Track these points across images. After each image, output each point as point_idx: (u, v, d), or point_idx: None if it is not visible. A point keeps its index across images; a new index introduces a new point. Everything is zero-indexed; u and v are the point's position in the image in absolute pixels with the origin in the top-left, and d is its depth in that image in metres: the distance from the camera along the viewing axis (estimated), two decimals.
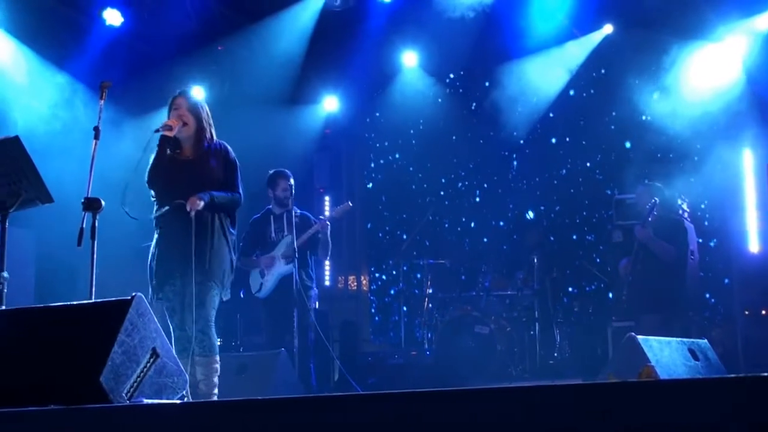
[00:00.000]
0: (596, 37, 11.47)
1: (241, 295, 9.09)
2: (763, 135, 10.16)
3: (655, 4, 10.33)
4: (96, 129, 5.61)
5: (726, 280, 10.86)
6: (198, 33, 10.71)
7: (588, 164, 12.06)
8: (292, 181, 8.65)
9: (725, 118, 10.48)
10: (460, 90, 12.83)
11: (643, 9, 10.57)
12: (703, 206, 10.74)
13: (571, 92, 11.91)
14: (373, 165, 13.57)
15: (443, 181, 13.06)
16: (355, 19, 11.33)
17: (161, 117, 11.21)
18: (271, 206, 8.96)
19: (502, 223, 12.59)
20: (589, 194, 12.08)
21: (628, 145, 11.54)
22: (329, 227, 8.89)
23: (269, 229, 8.84)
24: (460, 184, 13.01)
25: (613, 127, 11.68)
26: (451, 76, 12.76)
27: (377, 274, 13.57)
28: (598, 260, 11.50)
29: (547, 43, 11.42)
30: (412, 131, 13.09)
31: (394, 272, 12.75)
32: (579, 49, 11.61)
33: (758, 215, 10.03)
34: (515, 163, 12.64)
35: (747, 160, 10.20)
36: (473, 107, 12.73)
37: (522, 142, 12.41)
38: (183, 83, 11.60)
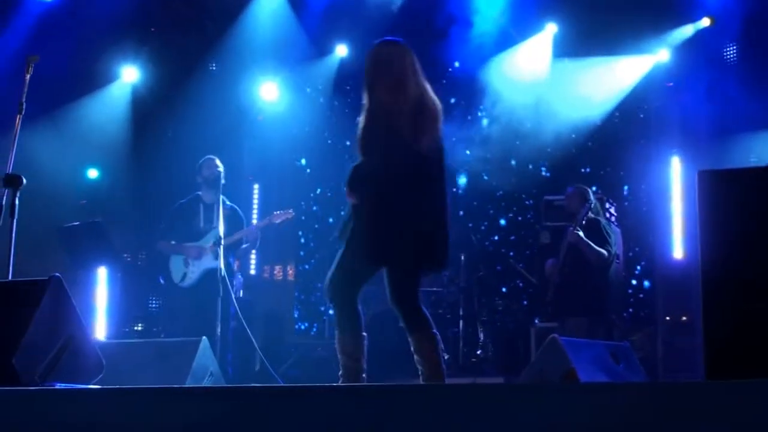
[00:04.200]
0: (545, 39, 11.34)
1: (161, 281, 8.84)
2: (691, 143, 10.31)
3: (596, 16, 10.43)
4: (21, 104, 5.47)
5: (647, 284, 11.01)
6: (132, 11, 10.51)
7: (517, 166, 12.04)
8: (220, 167, 8.41)
9: (655, 125, 10.62)
10: None
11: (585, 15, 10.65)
12: (629, 210, 10.83)
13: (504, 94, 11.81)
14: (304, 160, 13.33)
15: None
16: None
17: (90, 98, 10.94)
18: (200, 192, 8.67)
19: None
20: (517, 195, 12.12)
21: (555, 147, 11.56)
22: (259, 239, 8.65)
23: (198, 218, 8.61)
24: None
25: (545, 130, 11.65)
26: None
27: (304, 265, 13.42)
28: (524, 261, 11.51)
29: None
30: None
31: (315, 262, 12.65)
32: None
33: (683, 222, 10.17)
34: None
35: (675, 167, 10.34)
36: None
37: (454, 138, 12.38)
38: (114, 63, 11.35)
